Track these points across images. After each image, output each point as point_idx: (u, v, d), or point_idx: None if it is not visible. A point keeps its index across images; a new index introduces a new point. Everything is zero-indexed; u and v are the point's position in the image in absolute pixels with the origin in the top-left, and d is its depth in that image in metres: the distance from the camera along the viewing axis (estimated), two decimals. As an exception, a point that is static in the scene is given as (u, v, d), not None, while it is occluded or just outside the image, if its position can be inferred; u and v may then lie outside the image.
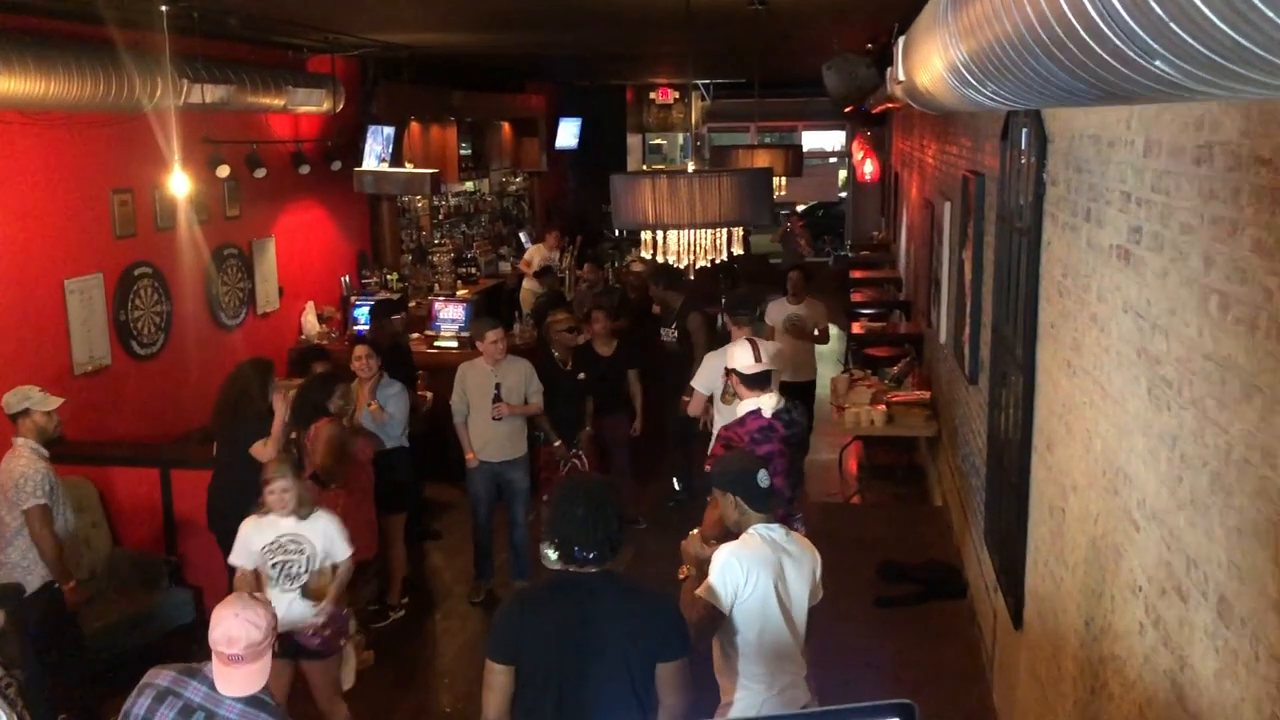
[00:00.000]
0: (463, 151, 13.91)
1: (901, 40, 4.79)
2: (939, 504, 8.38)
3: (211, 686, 3.00)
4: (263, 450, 5.95)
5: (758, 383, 4.88)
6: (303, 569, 4.80)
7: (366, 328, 9.57)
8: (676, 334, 8.38)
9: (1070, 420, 3.87)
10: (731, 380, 4.95)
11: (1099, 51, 1.60)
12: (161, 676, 3.05)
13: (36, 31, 6.36)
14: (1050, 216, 4.37)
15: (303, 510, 4.81)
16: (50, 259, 7.00)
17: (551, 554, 7.89)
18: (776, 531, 3.73)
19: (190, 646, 5.66)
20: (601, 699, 3.20)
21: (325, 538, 4.86)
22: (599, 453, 8.07)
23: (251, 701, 3.00)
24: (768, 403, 4.82)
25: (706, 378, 6.30)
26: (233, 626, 2.97)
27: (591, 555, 3.25)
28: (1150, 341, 2.90)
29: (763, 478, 3.69)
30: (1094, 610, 3.48)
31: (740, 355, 4.93)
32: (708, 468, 4.79)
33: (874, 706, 1.33)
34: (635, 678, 3.22)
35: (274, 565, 4.80)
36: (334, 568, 4.87)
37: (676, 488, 8.60)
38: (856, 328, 11.41)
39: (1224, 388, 2.34)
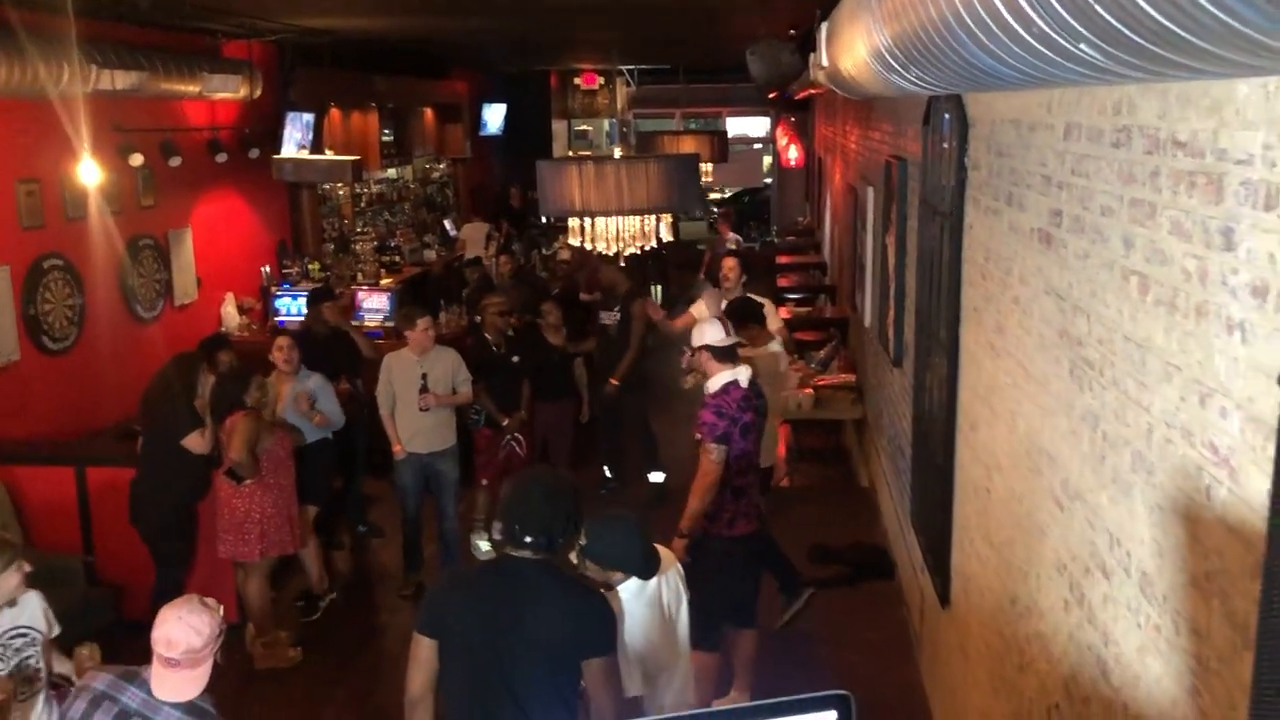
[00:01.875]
0: (385, 138, 13.71)
1: (825, 26, 4.81)
2: (866, 486, 8.48)
3: (149, 691, 2.92)
4: (199, 441, 5.82)
5: (729, 356, 4.99)
6: (39, 661, 3.82)
7: (301, 318, 9.41)
8: (619, 317, 8.28)
9: (994, 401, 3.93)
10: (701, 357, 4.99)
11: (1025, 35, 1.61)
12: (99, 680, 2.97)
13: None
14: (972, 201, 4.42)
15: (16, 594, 3.78)
16: (-46, 251, 6.75)
17: (483, 545, 7.83)
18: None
19: (110, 647, 5.52)
20: (525, 686, 3.19)
21: (45, 617, 3.91)
22: (539, 440, 8.04)
23: (191, 710, 2.93)
24: (743, 374, 4.94)
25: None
26: (174, 629, 2.89)
27: (530, 540, 3.23)
28: (1072, 323, 2.95)
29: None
30: (1019, 588, 3.54)
31: (711, 332, 5.01)
32: (698, 435, 4.86)
33: (810, 699, 1.32)
34: (560, 670, 3.21)
35: (11, 669, 3.74)
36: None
37: (608, 475, 8.58)
38: (783, 312, 11.48)
39: (1144, 368, 2.39)
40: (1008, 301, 3.73)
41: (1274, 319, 1.78)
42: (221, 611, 3.07)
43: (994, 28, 1.79)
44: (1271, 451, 1.75)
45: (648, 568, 3.65)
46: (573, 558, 3.58)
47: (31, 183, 7.37)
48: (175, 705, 2.91)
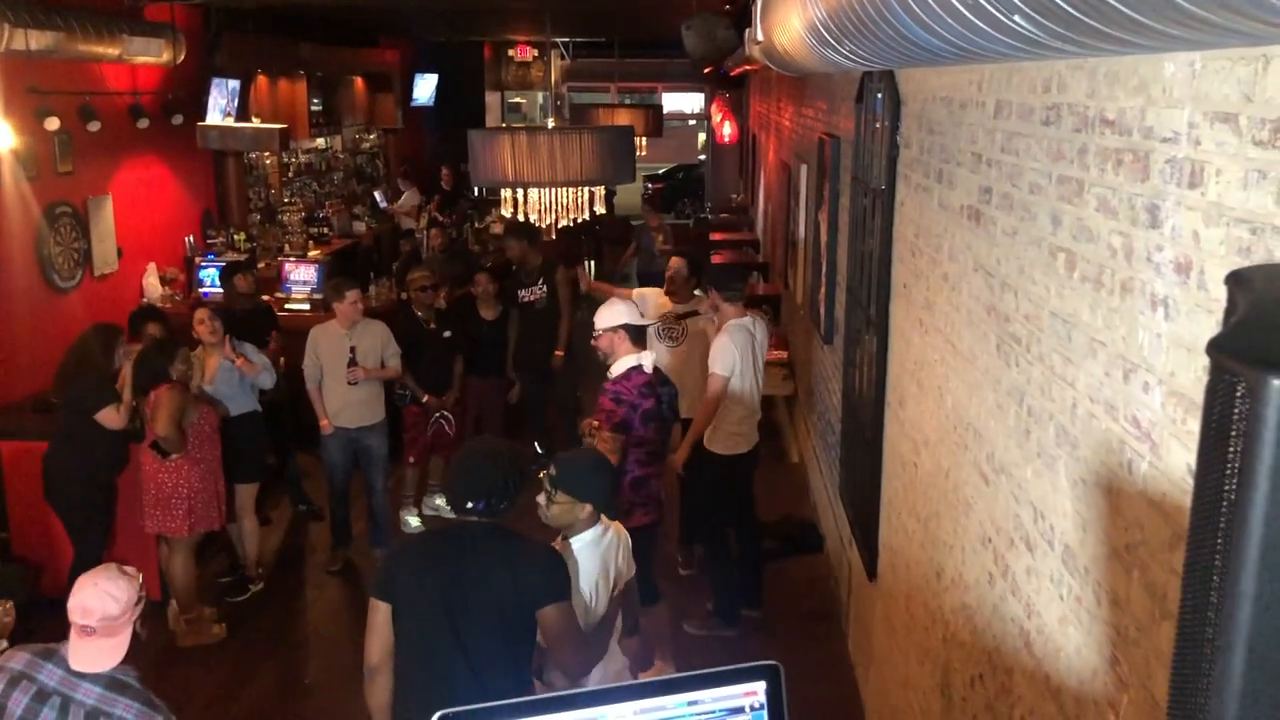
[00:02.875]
0: (314, 107, 13.43)
1: (760, 0, 4.79)
2: (795, 461, 8.56)
3: (68, 670, 2.84)
4: (114, 416, 5.70)
5: (642, 338, 4.93)
6: None
7: (217, 290, 9.21)
8: (545, 290, 8.11)
9: (922, 377, 3.97)
10: (616, 337, 4.84)
11: (958, 7, 1.61)
12: (16, 659, 2.89)
13: None
14: (903, 178, 4.45)
15: None
16: None
17: (413, 520, 7.75)
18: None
19: (26, 624, 5.38)
20: (477, 648, 3.22)
21: None
22: (473, 416, 7.96)
23: (112, 684, 2.85)
24: (648, 359, 4.87)
25: (725, 358, 5.64)
26: (90, 597, 2.83)
27: (472, 505, 3.29)
28: (999, 299, 2.98)
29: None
30: (945, 561, 3.59)
31: (629, 311, 4.88)
32: (595, 422, 4.77)
33: (739, 669, 1.31)
34: (514, 630, 3.26)
35: None
36: None
37: (539, 450, 8.54)
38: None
39: (1070, 343, 2.42)
40: (937, 278, 3.76)
41: (1196, 295, 1.81)
42: (141, 580, 2.99)
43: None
44: (1193, 426, 1.77)
45: (612, 503, 3.75)
46: (541, 497, 3.60)
47: (-60, 146, 7.09)
48: (95, 680, 2.84)
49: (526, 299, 8.09)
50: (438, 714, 1.19)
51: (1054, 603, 2.51)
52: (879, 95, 4.84)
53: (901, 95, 4.46)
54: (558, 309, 8.05)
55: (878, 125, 4.91)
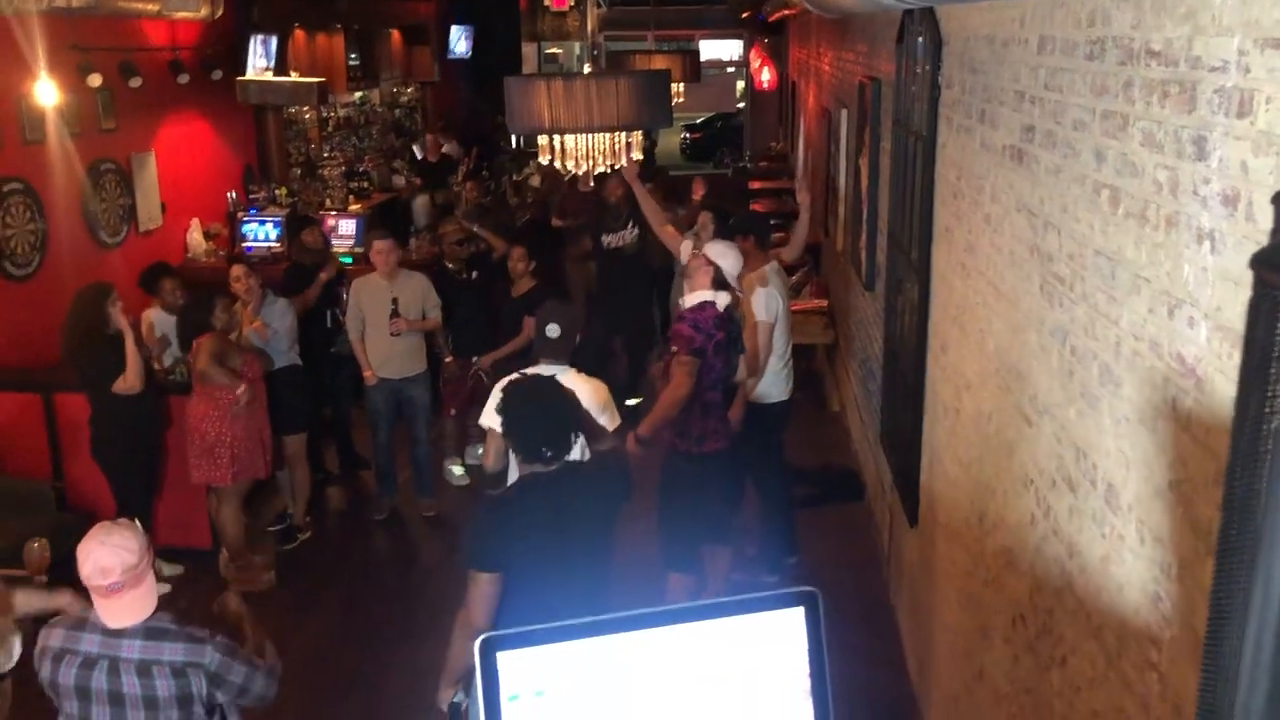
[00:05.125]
0: (351, 61, 13.42)
1: (798, -60, 4.72)
2: (836, 409, 8.54)
3: (105, 632, 2.89)
4: (127, 384, 5.68)
5: (724, 284, 5.00)
6: None
7: (270, 244, 9.30)
8: (635, 232, 7.64)
9: (964, 321, 3.94)
10: (706, 270, 4.97)
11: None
12: (52, 638, 2.96)
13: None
14: (945, 119, 4.39)
15: None
16: (-91, 175, 6.59)
17: (456, 470, 7.79)
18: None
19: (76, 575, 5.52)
20: (585, 569, 3.37)
21: None
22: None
23: (150, 633, 2.90)
24: (722, 298, 4.96)
25: (770, 305, 5.73)
26: (104, 556, 2.83)
27: (551, 452, 3.39)
28: (1043, 239, 2.95)
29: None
30: (987, 505, 3.58)
31: (734, 259, 5.06)
32: (674, 348, 4.87)
33: (778, 595, 1.33)
34: (609, 536, 3.52)
35: None
36: None
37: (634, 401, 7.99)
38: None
39: (1114, 281, 2.39)
40: (979, 220, 3.72)
41: (1244, 227, 1.78)
42: (139, 528, 3.00)
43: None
44: (1239, 359, 1.75)
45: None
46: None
47: (-13, 104, 7.18)
48: (134, 634, 2.88)
49: (613, 244, 7.69)
50: (480, 636, 1.22)
51: (1096, 542, 2.50)
52: (920, 36, 4.77)
53: (943, 35, 4.39)
54: (648, 253, 7.58)
55: (918, 66, 4.84)
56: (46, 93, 7.28)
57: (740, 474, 5.58)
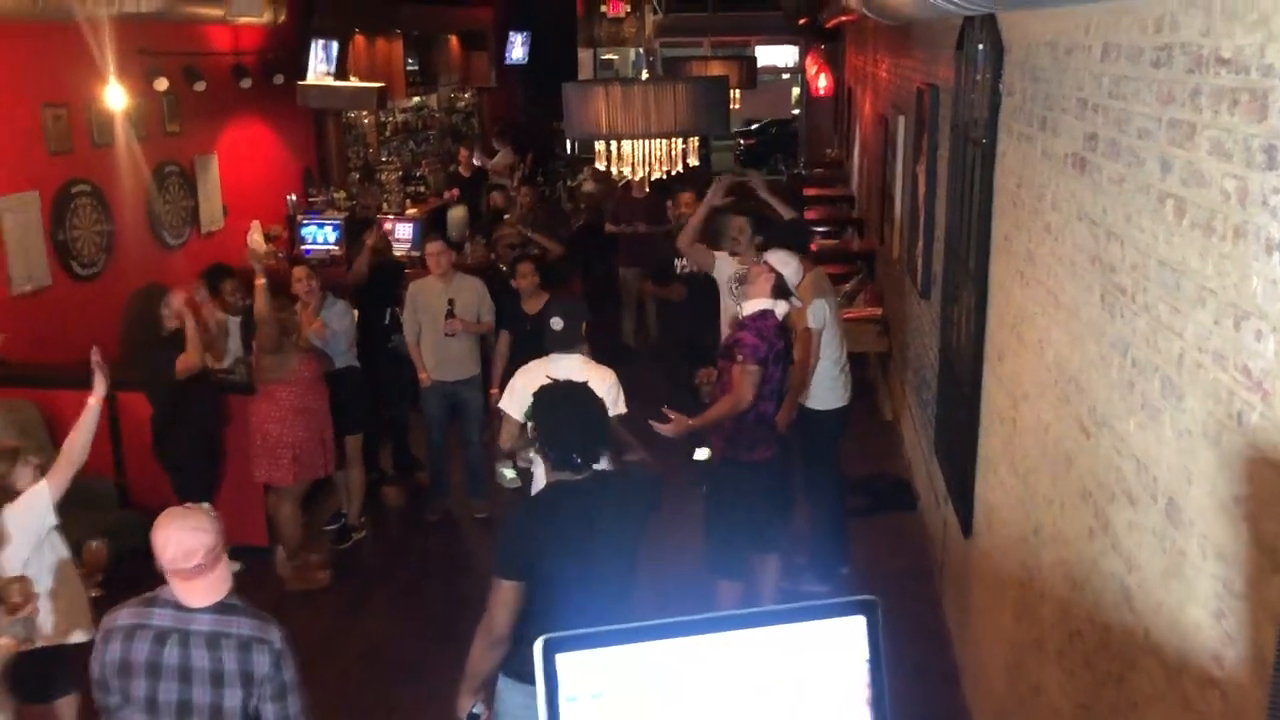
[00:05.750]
0: (409, 66, 13.58)
1: (858, -53, 4.71)
2: (889, 418, 8.48)
3: (176, 607, 2.97)
4: (184, 363, 5.74)
5: (785, 293, 5.00)
6: None
7: (329, 246, 9.42)
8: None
9: (1022, 330, 3.90)
10: (767, 278, 4.97)
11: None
12: (120, 617, 3.02)
13: (-43, -65, 6.06)
14: (1005, 127, 4.35)
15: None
16: (-18, 176, 6.77)
17: (508, 473, 7.79)
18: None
19: (140, 569, 5.62)
20: (611, 578, 3.37)
21: None
22: None
23: (221, 608, 2.98)
24: (781, 307, 4.97)
25: (817, 312, 5.71)
26: (187, 539, 2.92)
27: (582, 460, 3.37)
28: (1104, 249, 2.91)
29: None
30: (1043, 517, 3.54)
31: (794, 266, 5.08)
32: (739, 356, 4.87)
33: (839, 603, 1.33)
34: (635, 555, 3.48)
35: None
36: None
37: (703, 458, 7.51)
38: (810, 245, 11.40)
39: (1178, 292, 2.35)
40: (1039, 229, 3.68)
41: (1315, 239, 1.75)
42: (211, 510, 3.10)
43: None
44: (1307, 373, 1.72)
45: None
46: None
47: (59, 107, 7.36)
48: (205, 609, 2.97)
49: (685, 269, 7.40)
50: (541, 638, 1.23)
51: (1156, 557, 2.46)
52: (980, 43, 4.73)
53: (1004, 42, 4.35)
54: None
55: (978, 74, 4.80)
56: (115, 97, 7.44)
57: (791, 481, 5.56)
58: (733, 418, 4.88)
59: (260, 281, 5.83)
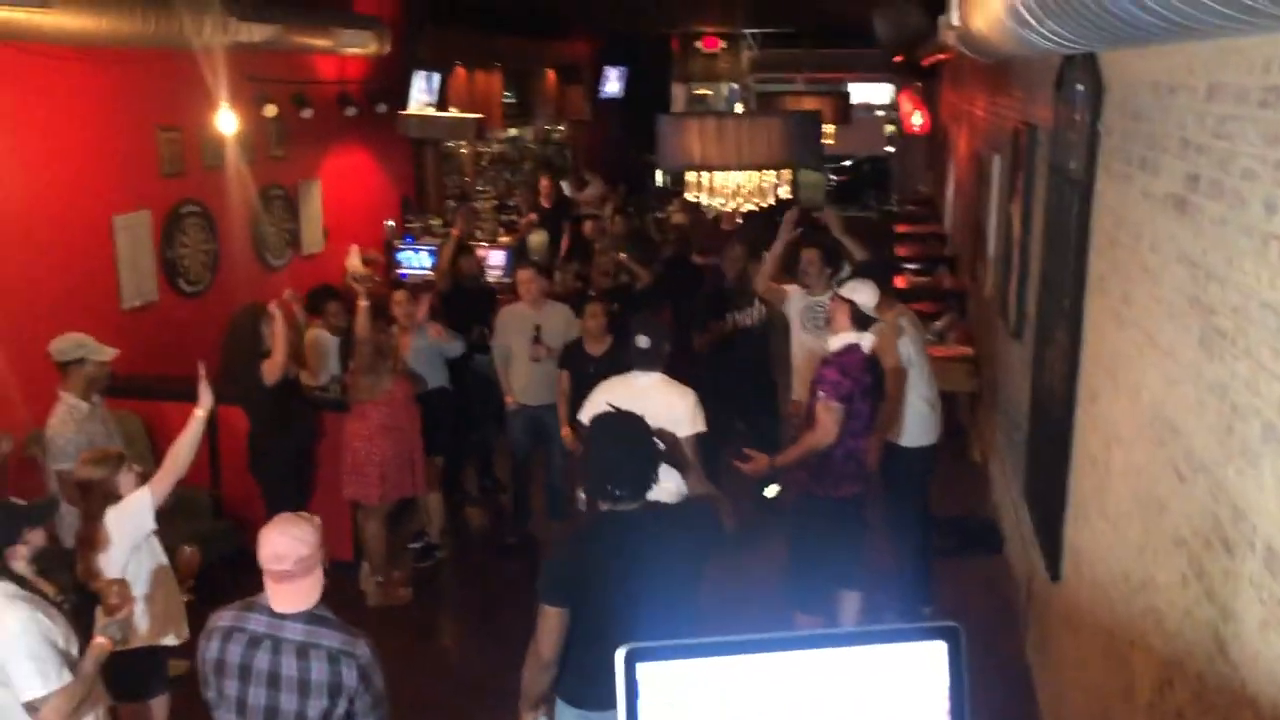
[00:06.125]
0: (507, 99, 13.85)
1: (957, -16, 4.70)
2: (977, 459, 8.34)
3: (270, 614, 3.08)
4: (271, 366, 5.84)
5: (866, 321, 4.96)
6: None
7: (424, 271, 9.62)
8: (762, 311, 7.12)
9: (1117, 372, 3.82)
10: (844, 309, 4.93)
11: (1169, -23, 1.56)
12: (221, 619, 3.16)
13: (87, -34, 6.36)
14: (1103, 167, 4.29)
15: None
16: (99, 196, 7.06)
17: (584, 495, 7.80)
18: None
19: (231, 577, 5.78)
20: (653, 614, 3.26)
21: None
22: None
23: (312, 619, 3.08)
24: (866, 339, 4.94)
25: (899, 349, 5.68)
26: (281, 544, 3.05)
27: (624, 493, 3.32)
28: (1204, 291, 2.85)
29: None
30: (1134, 563, 3.46)
31: (866, 292, 4.98)
32: (820, 393, 4.84)
33: (920, 628, 1.33)
34: (688, 588, 3.37)
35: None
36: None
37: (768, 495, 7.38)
38: (900, 282, 11.29)
39: (1280, 335, 2.30)
40: (1136, 270, 3.62)
41: None
42: (318, 523, 3.19)
43: (1137, -27, 1.73)
44: None
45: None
46: None
47: (173, 131, 7.67)
48: (297, 618, 3.06)
49: (745, 323, 7.17)
50: (624, 647, 1.25)
51: (1253, 606, 2.40)
52: (1079, 81, 4.67)
53: (1104, 81, 4.29)
54: (772, 331, 7.17)
55: (1077, 113, 4.74)
56: (226, 121, 7.73)
57: (876, 518, 5.51)
58: (819, 453, 4.86)
59: (363, 304, 5.97)
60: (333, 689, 3.04)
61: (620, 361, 5.89)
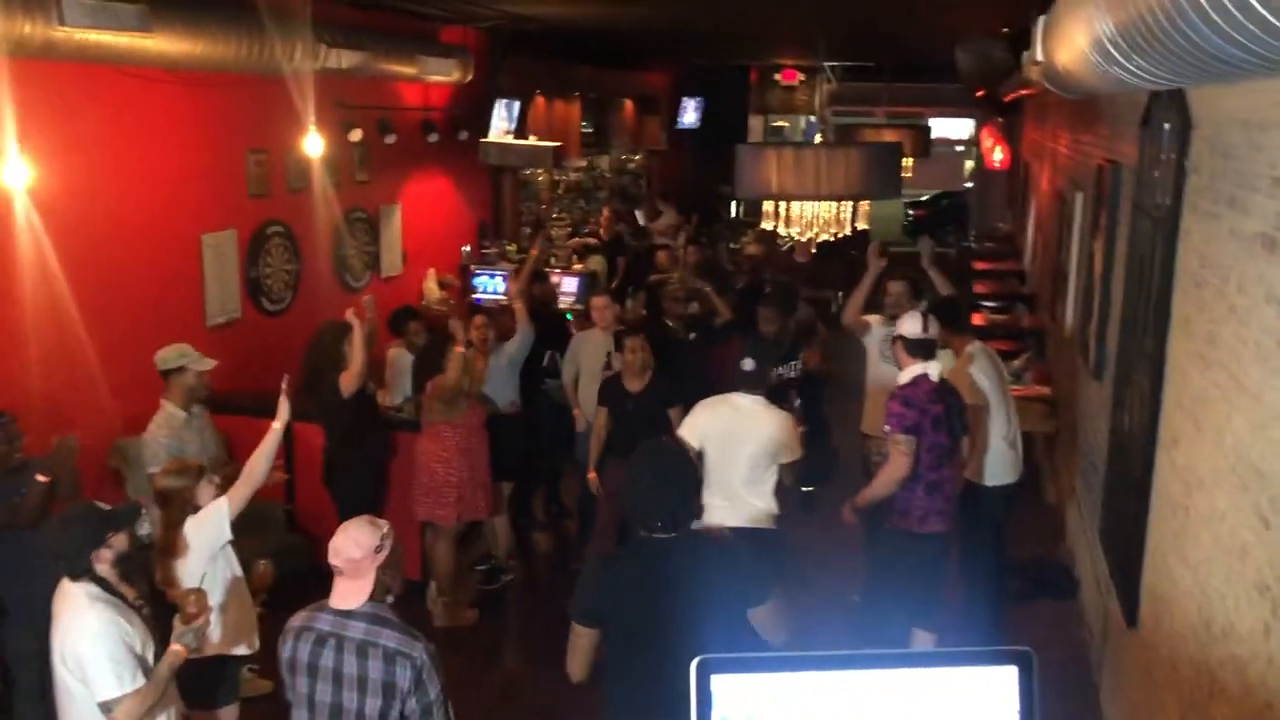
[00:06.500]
0: (584, 128, 14.01)
1: (1042, 20, 4.67)
2: (1052, 501, 8.18)
3: (335, 613, 3.22)
4: (348, 379, 5.92)
5: (922, 349, 4.96)
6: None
7: (498, 296, 9.74)
8: (799, 364, 7.14)
9: (1200, 415, 3.73)
10: (895, 347, 5.06)
11: (1262, 11, 1.54)
12: (296, 619, 3.31)
13: (186, -7, 6.59)
14: (1190, 205, 4.21)
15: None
16: (189, 214, 7.28)
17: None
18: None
19: (302, 591, 5.86)
20: (679, 647, 3.21)
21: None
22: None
23: (374, 619, 3.19)
24: (934, 368, 4.95)
25: (973, 387, 5.67)
26: (338, 540, 3.22)
27: (660, 523, 3.31)
28: (1294, 333, 2.78)
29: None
30: (1215, 611, 3.36)
31: (909, 323, 5.04)
32: (886, 428, 4.87)
33: (993, 651, 1.32)
34: (728, 630, 3.29)
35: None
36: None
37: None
38: (977, 319, 11.15)
39: (1374, 379, 2.23)
40: (1223, 310, 3.54)
41: None
42: (386, 530, 3.30)
43: (1229, 6, 1.71)
44: None
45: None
46: None
47: (261, 153, 7.88)
48: (360, 617, 3.19)
49: (784, 375, 7.13)
50: (697, 658, 1.26)
51: (1341, 659, 2.32)
52: (1166, 118, 4.60)
53: (1192, 118, 4.22)
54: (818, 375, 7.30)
55: (1163, 151, 4.66)
56: (313, 145, 7.92)
57: (955, 557, 5.44)
58: (904, 488, 4.82)
59: (459, 349, 6.08)
60: (387, 689, 3.14)
61: (659, 400, 6.06)
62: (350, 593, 3.24)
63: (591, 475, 6.31)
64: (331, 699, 3.18)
